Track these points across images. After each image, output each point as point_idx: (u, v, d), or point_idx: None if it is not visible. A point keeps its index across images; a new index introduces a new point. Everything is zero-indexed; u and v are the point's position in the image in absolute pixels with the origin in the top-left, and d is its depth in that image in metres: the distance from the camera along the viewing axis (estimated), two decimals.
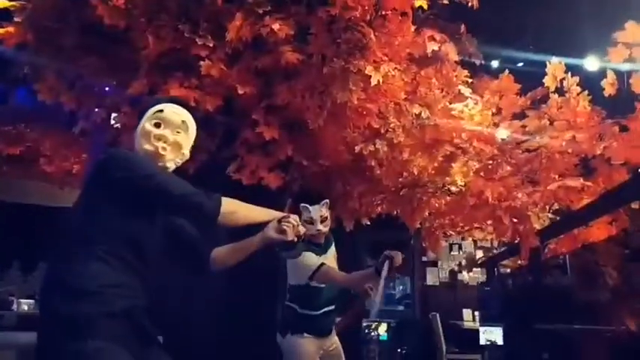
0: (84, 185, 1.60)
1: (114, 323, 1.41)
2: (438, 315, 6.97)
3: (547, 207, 2.47)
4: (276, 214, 1.67)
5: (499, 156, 2.66)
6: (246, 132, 3.22)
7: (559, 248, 2.68)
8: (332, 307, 2.97)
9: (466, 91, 3.99)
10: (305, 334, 2.86)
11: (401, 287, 9.87)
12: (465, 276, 8.81)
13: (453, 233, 3.94)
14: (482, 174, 2.81)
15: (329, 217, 2.84)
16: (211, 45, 2.79)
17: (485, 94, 3.57)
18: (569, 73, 2.79)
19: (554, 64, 2.80)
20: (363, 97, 2.89)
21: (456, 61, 3.82)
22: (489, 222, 2.60)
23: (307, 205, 2.79)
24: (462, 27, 3.94)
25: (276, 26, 2.71)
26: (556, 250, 2.72)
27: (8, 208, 7.91)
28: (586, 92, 2.72)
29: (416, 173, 3.52)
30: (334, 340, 3.01)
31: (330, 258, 2.92)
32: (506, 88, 3.08)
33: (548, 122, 2.60)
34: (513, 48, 4.58)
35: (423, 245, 5.26)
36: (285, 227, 1.62)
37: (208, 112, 2.99)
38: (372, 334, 9.39)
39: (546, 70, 2.84)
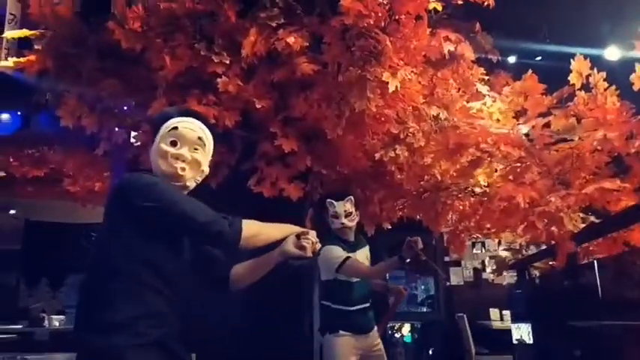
0: (106, 212, 1.60)
1: (147, 353, 1.41)
2: (465, 316, 6.89)
3: (580, 207, 2.42)
4: (295, 229, 1.67)
5: (527, 158, 2.62)
6: (265, 145, 3.23)
7: (598, 250, 2.61)
8: (367, 305, 3.05)
9: (483, 88, 3.94)
10: (341, 332, 2.93)
11: (423, 287, 9.79)
12: (489, 275, 8.70)
13: (480, 236, 3.87)
14: (510, 177, 2.76)
15: (354, 213, 3.00)
16: (227, 62, 2.81)
17: (508, 94, 3.52)
18: (595, 69, 2.72)
19: (579, 60, 2.74)
20: (381, 104, 2.87)
21: (472, 60, 3.78)
22: (522, 227, 2.56)
23: (332, 201, 2.99)
24: (477, 25, 3.89)
25: (290, 40, 2.71)
26: (593, 252, 2.65)
27: (33, 226, 8.09)
28: (613, 87, 2.65)
29: (439, 177, 3.48)
30: (376, 341, 3.04)
31: (360, 257, 3.03)
32: (530, 88, 3.02)
33: (575, 121, 2.54)
34: (530, 42, 4.51)
35: (446, 246, 5.20)
36: (304, 244, 1.62)
37: (227, 127, 3.00)
38: (396, 335, 9.33)
39: (570, 67, 2.78)
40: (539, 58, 4.53)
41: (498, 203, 2.55)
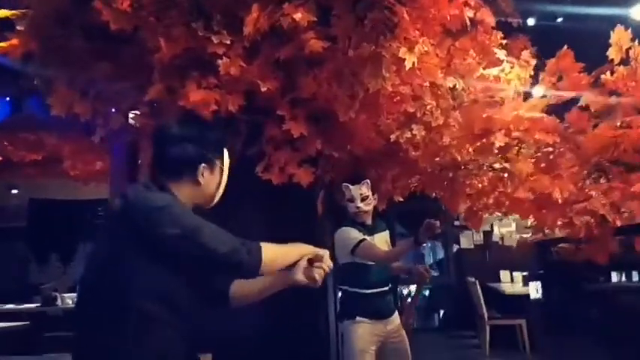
0: (108, 235, 1.43)
1: None
2: (477, 281, 6.84)
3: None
4: (310, 250, 1.55)
5: (560, 144, 2.40)
6: (272, 129, 3.01)
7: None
8: (386, 288, 2.98)
9: (501, 54, 3.68)
10: (357, 318, 2.86)
11: (433, 251, 9.75)
12: (498, 234, 8.64)
13: (500, 214, 3.70)
14: (543, 165, 2.55)
15: (371, 196, 2.96)
16: (228, 42, 2.55)
17: (527, 59, 3.25)
18: (637, 41, 2.45)
19: (619, 31, 2.46)
20: (397, 82, 2.63)
21: (492, 26, 3.50)
22: (559, 223, 2.37)
23: (348, 185, 2.94)
24: None
25: (297, 15, 2.44)
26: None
27: (37, 204, 8.00)
28: None
29: (457, 156, 3.28)
30: (397, 327, 2.95)
31: (379, 241, 2.97)
32: (566, 67, 2.76)
33: (614, 99, 2.30)
34: (550, 2, 4.18)
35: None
36: (315, 275, 1.52)
37: (230, 112, 2.78)
38: (408, 298, 9.39)
39: (609, 40, 2.51)
40: (560, 19, 4.20)
41: (528, 194, 2.34)
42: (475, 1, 3.22)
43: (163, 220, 1.35)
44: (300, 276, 1.52)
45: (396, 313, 3.03)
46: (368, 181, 2.94)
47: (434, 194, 3.76)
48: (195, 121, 1.78)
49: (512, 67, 3.77)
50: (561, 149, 2.41)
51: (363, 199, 2.91)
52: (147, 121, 3.35)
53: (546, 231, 2.57)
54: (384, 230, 3.08)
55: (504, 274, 8.09)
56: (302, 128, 2.89)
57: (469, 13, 3.16)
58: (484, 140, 2.65)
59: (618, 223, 2.14)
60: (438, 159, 3.51)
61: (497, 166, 3.37)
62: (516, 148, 2.64)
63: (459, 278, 8.52)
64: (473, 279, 6.97)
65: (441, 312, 9.22)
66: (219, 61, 2.62)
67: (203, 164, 1.54)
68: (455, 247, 8.95)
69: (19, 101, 4.14)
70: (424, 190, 3.94)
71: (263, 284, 1.59)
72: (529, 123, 2.50)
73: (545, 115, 2.64)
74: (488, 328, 6.46)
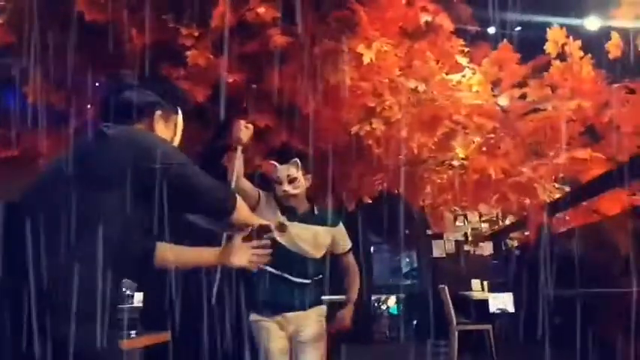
0: (103, 173, 1.27)
1: None
2: (446, 287, 6.99)
3: (553, 177, 2.41)
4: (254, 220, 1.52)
5: (501, 129, 2.59)
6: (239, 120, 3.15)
7: (571, 221, 2.62)
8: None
9: (463, 60, 3.90)
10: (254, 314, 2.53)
11: (407, 260, 9.90)
12: (470, 247, 8.81)
13: (457, 209, 3.88)
14: (484, 149, 2.75)
15: (301, 178, 2.52)
16: (196, 34, 2.72)
17: (484, 64, 3.48)
18: (571, 37, 2.69)
19: (555, 30, 2.70)
20: (356, 77, 2.81)
21: (451, 31, 3.72)
22: (494, 198, 2.55)
23: (276, 164, 2.57)
24: None
25: (261, 10, 2.62)
26: (567, 223, 2.66)
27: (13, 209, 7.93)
28: (589, 56, 2.63)
29: (416, 151, 3.46)
30: (302, 324, 2.52)
31: (304, 232, 2.52)
32: (505, 58, 2.99)
33: (550, 90, 2.51)
34: (510, 11, 4.44)
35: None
36: (255, 258, 1.49)
37: (199, 102, 2.93)
38: (382, 307, 9.48)
39: (546, 36, 2.74)
40: (519, 28, 4.47)
41: (472, 175, 2.52)
42: (434, 6, 3.46)
43: (167, 153, 1.32)
44: (236, 260, 1.48)
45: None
46: (297, 160, 2.52)
47: (397, 191, 3.92)
48: (155, 77, 1.74)
49: (473, 73, 4.00)
50: (501, 134, 2.60)
51: (290, 181, 2.48)
52: None
53: (495, 216, 2.72)
54: (327, 225, 2.60)
55: (476, 283, 8.27)
56: (267, 120, 3.05)
57: (427, 18, 3.40)
58: (433, 128, 2.83)
59: (547, 199, 2.32)
60: (400, 157, 3.70)
61: (455, 163, 3.56)
62: (462, 133, 2.82)
63: (432, 286, 8.66)
64: (443, 286, 7.12)
65: (415, 321, 9.33)
66: (188, 53, 2.78)
67: (159, 111, 1.46)
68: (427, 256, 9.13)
69: None
70: (389, 188, 4.11)
71: (188, 252, 1.53)
72: (469, 108, 2.70)
73: (484, 102, 2.84)
74: (456, 334, 6.60)
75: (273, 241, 1.62)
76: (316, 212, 2.62)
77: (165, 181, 1.28)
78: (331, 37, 2.81)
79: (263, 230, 1.52)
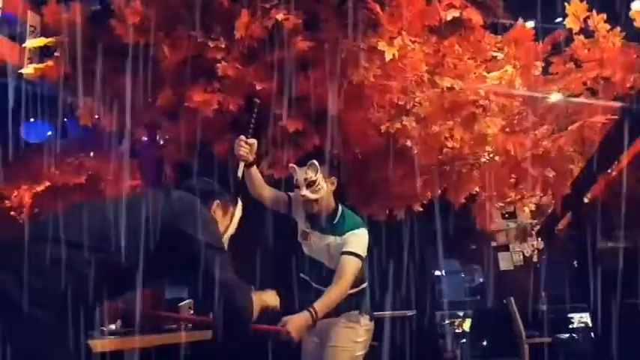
0: (146, 222, 1.41)
1: None
2: (512, 299, 6.64)
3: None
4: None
5: (525, 109, 2.50)
6: (272, 127, 3.27)
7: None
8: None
9: (500, 55, 3.81)
10: None
11: (473, 277, 9.52)
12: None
13: (503, 204, 3.74)
14: (507, 129, 2.66)
15: (321, 182, 2.27)
16: (223, 46, 2.88)
17: (500, 50, 3.41)
18: (594, 10, 2.57)
19: (574, 3, 2.59)
20: (379, 74, 2.84)
21: (485, 27, 3.66)
22: (514, 176, 2.45)
23: (295, 166, 2.35)
24: None
25: (280, 16, 2.74)
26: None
27: None
28: (618, 29, 2.49)
29: (458, 147, 3.39)
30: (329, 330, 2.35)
31: (320, 241, 2.34)
32: (520, 36, 2.90)
33: (574, 65, 2.40)
34: (549, 4, 4.30)
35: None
36: None
37: (231, 112, 3.07)
38: (448, 324, 9.16)
39: (562, 11, 2.65)
40: (559, 19, 4.30)
41: (495, 157, 2.44)
42: (460, 1, 3.43)
43: (206, 225, 1.45)
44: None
45: None
46: (315, 162, 2.27)
47: (440, 190, 3.84)
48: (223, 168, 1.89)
49: (514, 68, 3.90)
50: (524, 114, 2.50)
51: (309, 185, 2.25)
52: (170, 134, 3.72)
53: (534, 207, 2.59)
54: (344, 233, 2.30)
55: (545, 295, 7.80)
56: (298, 124, 3.13)
57: (454, 13, 3.38)
58: (455, 114, 2.77)
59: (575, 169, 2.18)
60: (440, 156, 3.64)
61: (497, 158, 3.45)
62: (483, 116, 2.74)
63: (500, 301, 8.25)
64: (509, 298, 6.78)
65: (483, 337, 8.89)
66: (218, 65, 2.94)
67: (217, 201, 1.61)
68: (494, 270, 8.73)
69: (65, 127, 4.64)
70: (433, 190, 4.03)
71: None
72: (486, 88, 2.62)
73: (503, 82, 2.75)
74: (527, 347, 6.21)
75: None
76: (336, 220, 2.34)
77: (192, 253, 1.42)
78: (353, 38, 2.87)
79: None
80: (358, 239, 2.25)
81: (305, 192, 2.25)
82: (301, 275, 2.43)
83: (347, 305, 2.28)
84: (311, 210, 2.29)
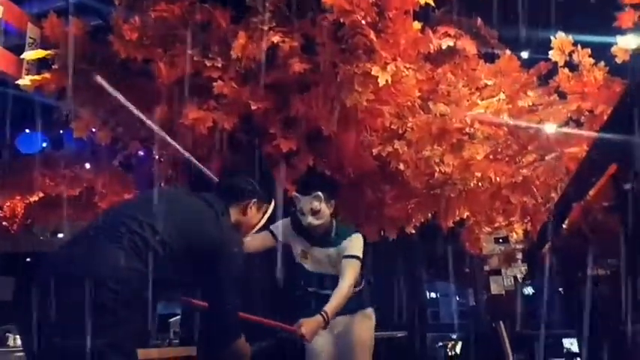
0: (202, 252, 1.61)
1: None
2: (501, 323, 6.63)
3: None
4: None
5: (510, 138, 2.55)
6: (267, 146, 3.30)
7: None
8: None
9: (489, 82, 3.87)
10: None
11: (464, 300, 9.50)
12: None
13: (490, 230, 3.77)
14: (491, 157, 2.71)
15: (325, 209, 2.49)
16: (220, 65, 2.92)
17: (490, 79, 3.48)
18: (579, 46, 2.64)
19: (561, 38, 2.66)
20: (372, 98, 2.89)
21: (479, 56, 3.74)
22: (498, 203, 2.49)
23: (298, 195, 2.54)
24: (479, 20, 3.85)
25: (276, 38, 2.79)
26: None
27: None
28: (602, 63, 2.56)
29: (449, 171, 3.43)
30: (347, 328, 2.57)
31: (321, 254, 2.55)
32: (506, 67, 2.97)
33: (557, 97, 2.46)
34: (544, 36, 4.39)
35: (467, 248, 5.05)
36: None
37: (226, 130, 3.10)
38: (440, 346, 9.10)
39: (551, 44, 2.72)
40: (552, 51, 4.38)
41: (479, 184, 2.48)
42: (455, 31, 3.51)
43: (235, 252, 1.66)
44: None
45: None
46: (320, 193, 2.49)
47: (430, 214, 3.87)
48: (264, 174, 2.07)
49: (500, 98, 3.95)
50: (509, 142, 2.56)
51: (313, 214, 2.49)
52: (166, 151, 3.74)
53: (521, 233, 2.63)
54: (340, 242, 2.53)
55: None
56: (292, 144, 3.17)
57: (449, 42, 3.45)
58: (442, 140, 2.81)
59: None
60: (431, 180, 3.67)
61: (487, 185, 3.49)
62: (469, 143, 2.79)
63: (490, 324, 8.23)
64: (498, 321, 6.76)
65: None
66: (214, 84, 2.98)
67: (254, 199, 1.80)
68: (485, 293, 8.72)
69: (61, 139, 4.65)
70: (424, 213, 4.05)
71: None
72: (472, 116, 2.67)
73: (486, 109, 2.80)
74: None
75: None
76: (332, 234, 2.55)
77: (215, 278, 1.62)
78: (348, 63, 2.92)
79: None
80: (354, 243, 2.50)
81: (310, 219, 2.48)
82: (308, 289, 2.60)
83: (360, 303, 2.57)
84: (315, 233, 2.53)
